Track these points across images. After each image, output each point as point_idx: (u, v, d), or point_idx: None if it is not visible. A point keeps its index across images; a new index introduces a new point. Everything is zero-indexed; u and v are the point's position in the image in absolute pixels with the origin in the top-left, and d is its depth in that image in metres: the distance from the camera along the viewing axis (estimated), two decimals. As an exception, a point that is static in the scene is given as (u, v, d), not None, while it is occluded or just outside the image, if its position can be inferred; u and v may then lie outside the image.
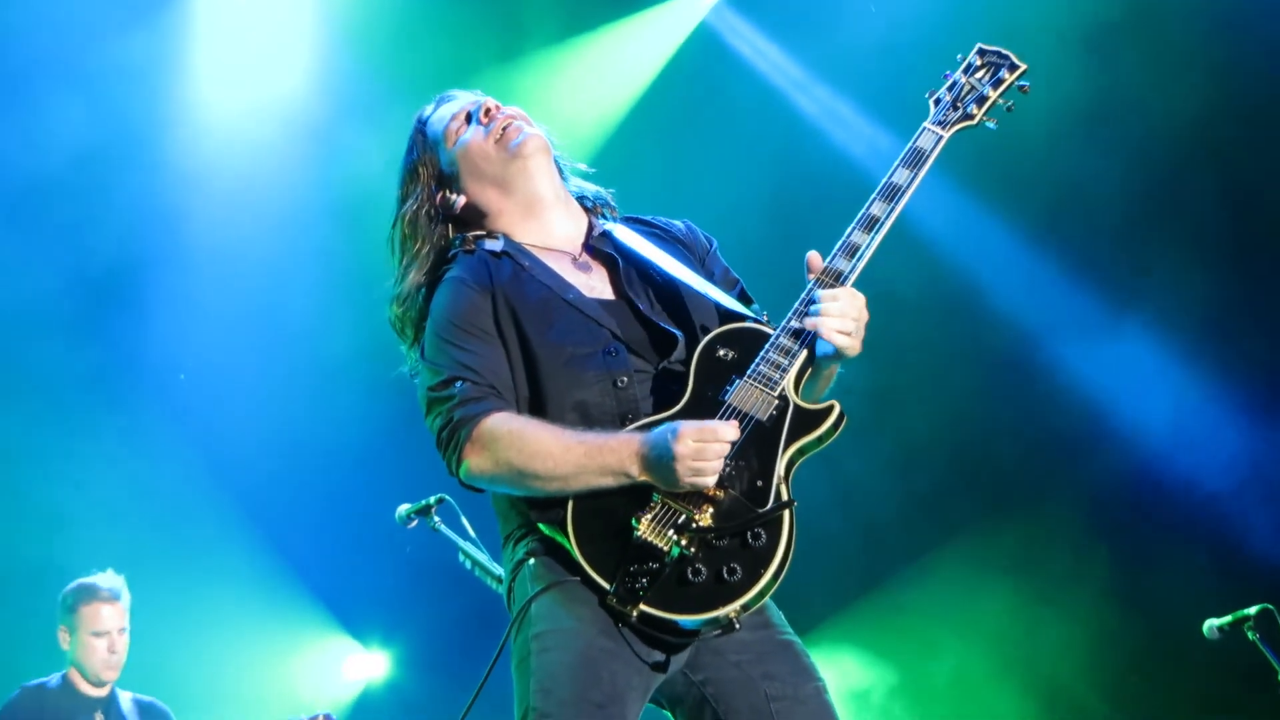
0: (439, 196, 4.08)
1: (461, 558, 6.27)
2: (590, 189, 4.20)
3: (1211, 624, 6.66)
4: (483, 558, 6.16)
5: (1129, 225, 8.95)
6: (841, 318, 3.61)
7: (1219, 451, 8.73)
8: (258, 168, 9.49)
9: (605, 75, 9.76)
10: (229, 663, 8.08)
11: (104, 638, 7.38)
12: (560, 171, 4.13)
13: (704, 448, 3.44)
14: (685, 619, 3.48)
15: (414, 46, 9.49)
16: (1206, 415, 8.80)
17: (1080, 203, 8.80)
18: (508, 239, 3.97)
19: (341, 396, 9.55)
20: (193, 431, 9.44)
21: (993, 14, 8.84)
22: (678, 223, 4.21)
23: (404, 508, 6.51)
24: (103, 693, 7.42)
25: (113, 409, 9.24)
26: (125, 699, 7.51)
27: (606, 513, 3.55)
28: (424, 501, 6.43)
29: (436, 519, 6.40)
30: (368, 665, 9.77)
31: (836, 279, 3.68)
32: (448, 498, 6.34)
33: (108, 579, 7.54)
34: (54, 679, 7.42)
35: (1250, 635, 6.48)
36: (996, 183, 8.61)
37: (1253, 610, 6.51)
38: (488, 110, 4.07)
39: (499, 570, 5.98)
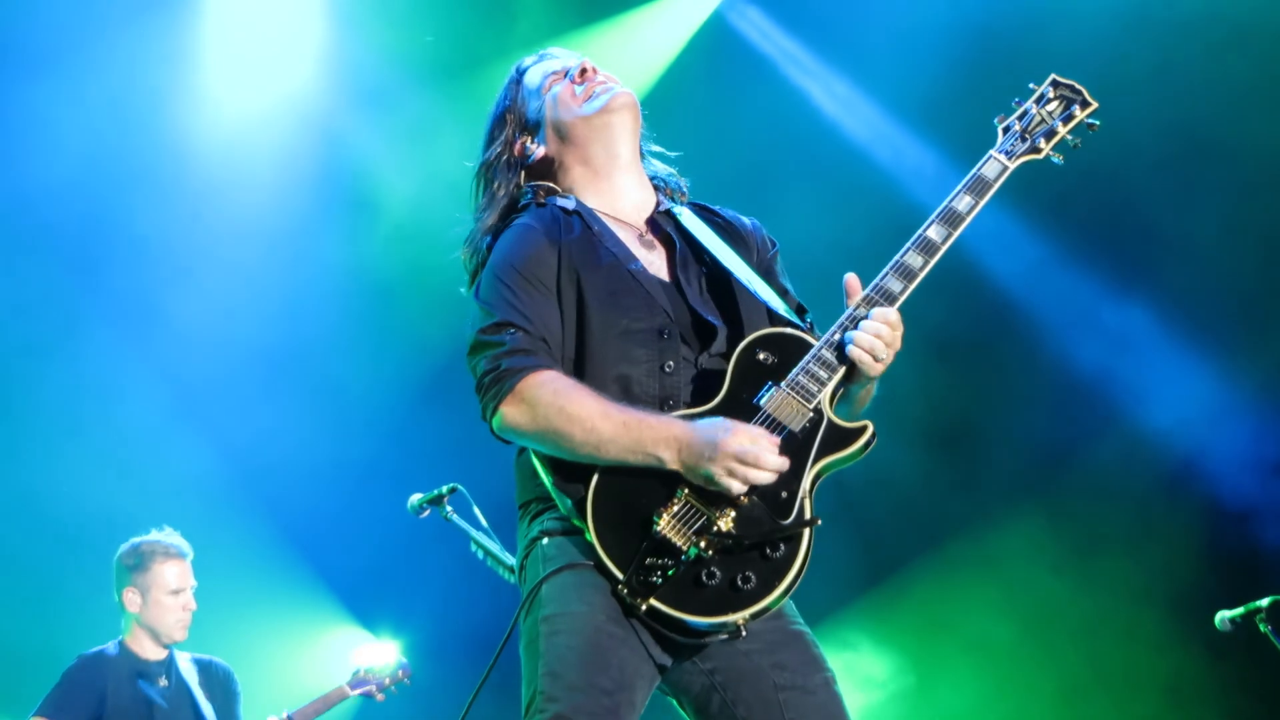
0: (519, 144, 4.10)
1: (473, 547, 6.27)
2: (664, 170, 4.19)
3: (1223, 616, 6.65)
4: (494, 547, 6.17)
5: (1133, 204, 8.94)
6: (878, 338, 3.59)
7: (1231, 446, 8.72)
8: (266, 165, 9.51)
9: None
10: (240, 651, 8.05)
11: (180, 595, 7.24)
12: (641, 147, 4.14)
13: (752, 453, 3.43)
14: (695, 620, 3.46)
15: (422, 38, 9.49)
16: (1217, 407, 8.79)
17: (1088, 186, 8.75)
18: (579, 201, 3.97)
19: (353, 387, 9.57)
20: (205, 424, 9.45)
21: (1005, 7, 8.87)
22: (746, 219, 4.19)
23: (416, 497, 6.52)
24: (163, 654, 7.27)
25: (123, 403, 9.26)
26: (183, 659, 7.37)
27: (628, 501, 3.52)
28: (436, 491, 6.45)
29: (449, 508, 6.42)
30: (378, 655, 9.77)
31: (888, 299, 3.67)
32: (460, 487, 6.36)
33: (174, 537, 7.42)
34: (111, 646, 7.25)
35: (1262, 627, 6.48)
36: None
37: (1264, 602, 6.50)
38: (584, 69, 4.09)
39: (511, 560, 5.99)
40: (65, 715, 6.95)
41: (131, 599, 7.24)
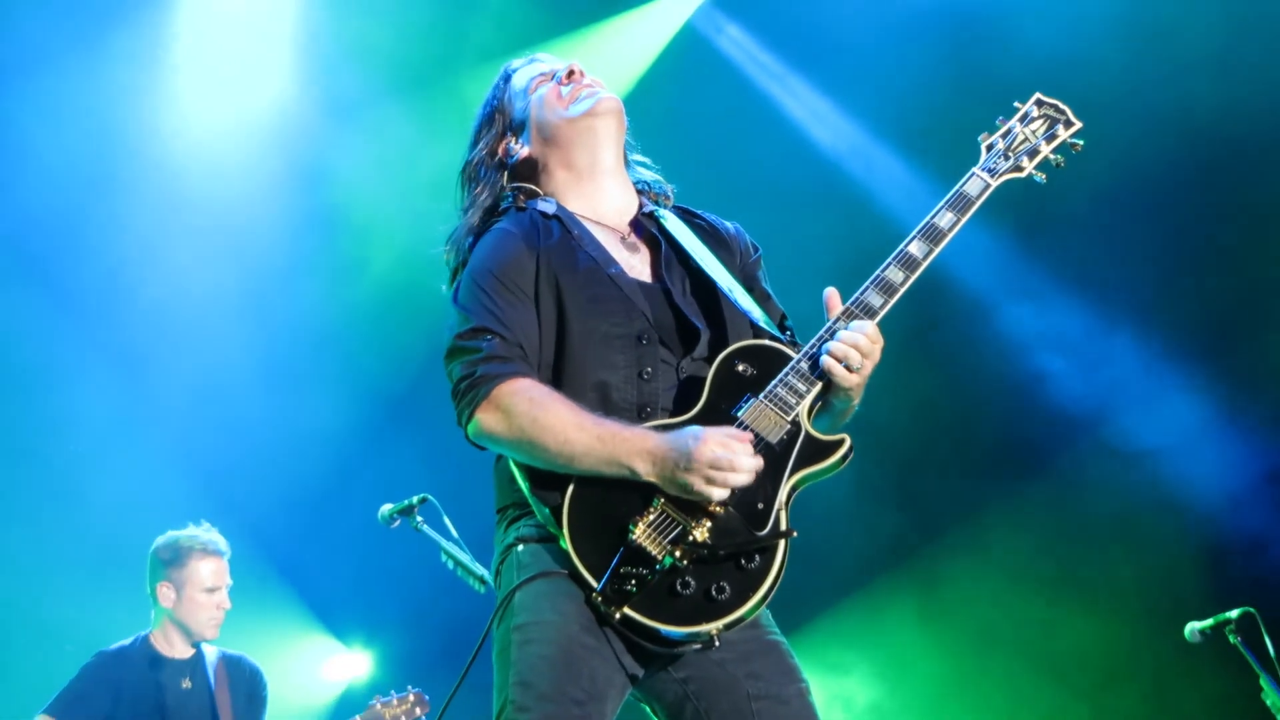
0: (503, 144, 4.10)
1: (444, 558, 6.25)
2: (650, 175, 4.19)
3: (1193, 627, 6.64)
4: (465, 557, 6.15)
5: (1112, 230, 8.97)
6: (854, 347, 3.59)
7: (1200, 454, 8.76)
8: (237, 176, 9.47)
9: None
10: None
11: (215, 594, 7.11)
12: (625, 152, 4.14)
13: (726, 459, 3.42)
14: (668, 629, 3.45)
15: (395, 48, 9.48)
16: (1190, 420, 8.82)
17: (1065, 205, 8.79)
18: (560, 204, 3.96)
19: (324, 396, 9.54)
20: (175, 433, 9.40)
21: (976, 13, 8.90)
22: (728, 224, 4.19)
23: (386, 508, 6.49)
24: (190, 652, 7.13)
25: (90, 412, 9.22)
26: (211, 655, 7.23)
27: (604, 509, 3.51)
28: (406, 501, 6.42)
29: (419, 519, 6.39)
30: (350, 666, 9.74)
31: (868, 313, 3.67)
32: (430, 497, 6.33)
33: (212, 534, 7.29)
34: (133, 642, 7.10)
35: (1232, 639, 6.47)
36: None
37: (1234, 614, 6.50)
38: (571, 72, 4.09)
39: (481, 571, 5.98)
40: (74, 714, 6.87)
41: (165, 594, 7.10)
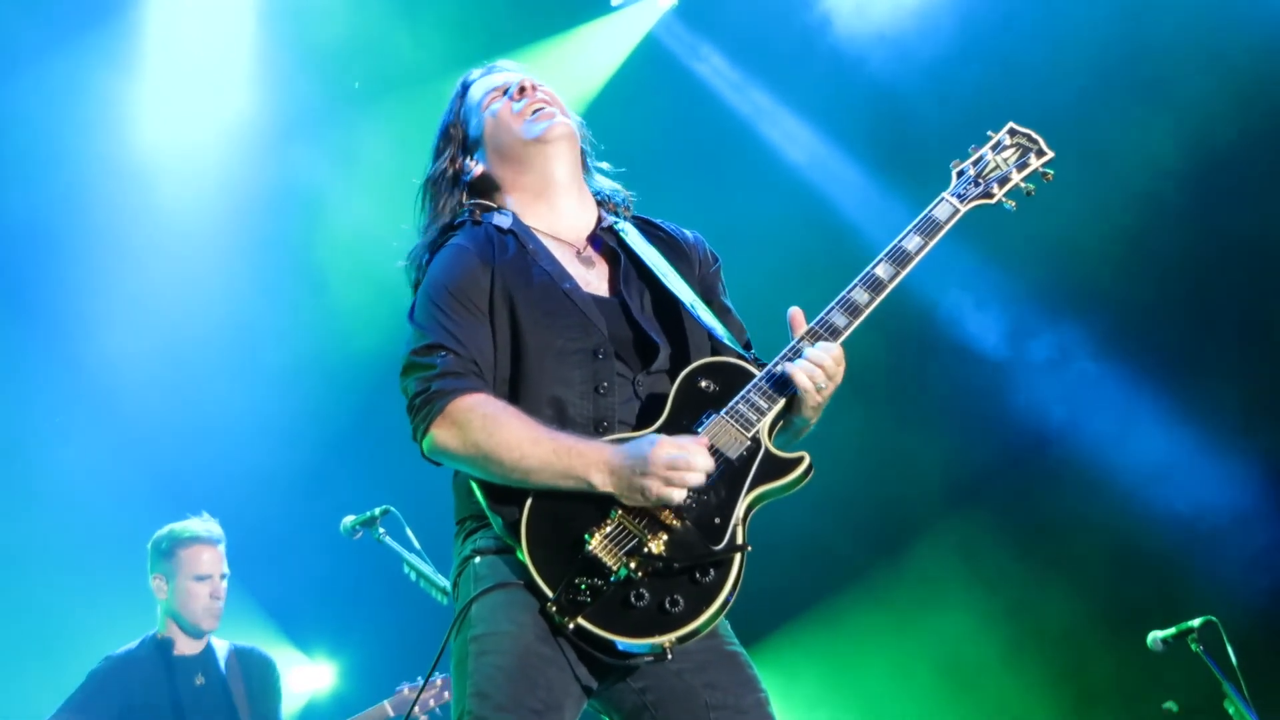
0: (460, 161, 4.10)
1: (406, 569, 6.24)
2: (609, 185, 4.19)
3: (1155, 636, 6.66)
4: (427, 569, 6.14)
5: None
6: (820, 367, 3.59)
7: (1168, 472, 8.80)
8: (205, 184, 9.45)
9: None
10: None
11: (206, 582, 6.96)
12: (585, 164, 4.14)
13: (682, 458, 3.43)
14: (622, 640, 3.45)
15: (359, 57, 9.46)
16: (1155, 436, 8.87)
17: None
18: (516, 218, 3.96)
19: (288, 407, 9.50)
20: (136, 443, 9.34)
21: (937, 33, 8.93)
22: (688, 232, 4.20)
23: (349, 519, 6.48)
24: (198, 647, 7.01)
25: (57, 414, 9.17)
26: (222, 649, 7.13)
27: (562, 521, 3.52)
28: (369, 513, 6.41)
29: (381, 530, 6.38)
30: (313, 677, 9.69)
31: (832, 334, 3.68)
32: (392, 509, 6.33)
33: (206, 523, 7.16)
34: (140, 644, 6.99)
35: (1194, 647, 6.48)
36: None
37: (1196, 622, 6.51)
38: (523, 88, 4.09)
39: (444, 582, 5.97)
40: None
41: (159, 586, 7.02)
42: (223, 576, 7.11)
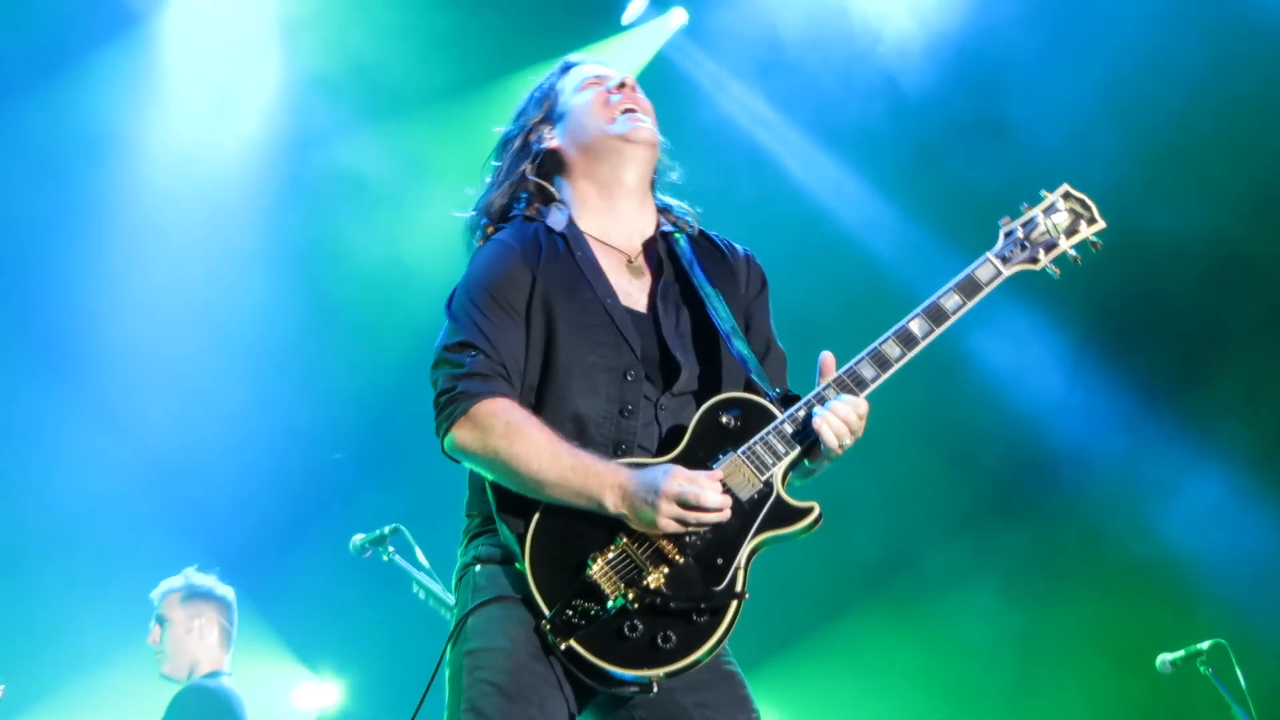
0: (536, 130, 4.06)
1: (415, 588, 6.23)
2: (675, 203, 4.14)
3: (1164, 658, 6.66)
4: (437, 588, 6.13)
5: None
6: (846, 424, 3.55)
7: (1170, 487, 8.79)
8: (213, 200, 9.44)
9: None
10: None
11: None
12: (654, 179, 4.10)
13: (693, 492, 3.41)
14: (612, 669, 3.44)
15: (373, 73, 9.46)
16: (1156, 449, 8.86)
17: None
18: (570, 221, 3.92)
19: (298, 425, 9.50)
20: (147, 459, 9.34)
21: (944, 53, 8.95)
22: (739, 248, 4.15)
23: (358, 538, 6.47)
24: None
25: (69, 435, 9.17)
26: None
27: (567, 541, 3.51)
28: (378, 532, 6.40)
29: (390, 549, 6.37)
30: (320, 694, 9.69)
31: (859, 384, 3.64)
32: (402, 528, 6.31)
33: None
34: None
35: (1203, 669, 6.48)
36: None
37: (1205, 645, 6.51)
38: (623, 84, 4.05)
39: (453, 601, 5.96)
40: None
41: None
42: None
